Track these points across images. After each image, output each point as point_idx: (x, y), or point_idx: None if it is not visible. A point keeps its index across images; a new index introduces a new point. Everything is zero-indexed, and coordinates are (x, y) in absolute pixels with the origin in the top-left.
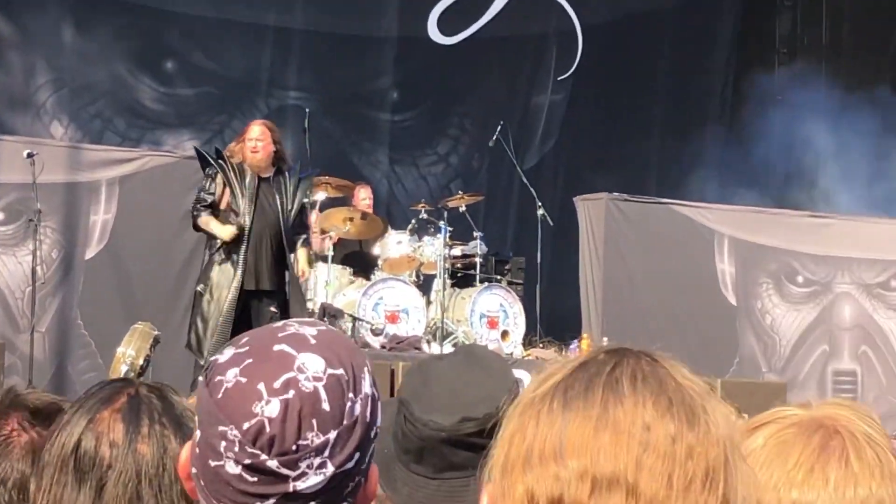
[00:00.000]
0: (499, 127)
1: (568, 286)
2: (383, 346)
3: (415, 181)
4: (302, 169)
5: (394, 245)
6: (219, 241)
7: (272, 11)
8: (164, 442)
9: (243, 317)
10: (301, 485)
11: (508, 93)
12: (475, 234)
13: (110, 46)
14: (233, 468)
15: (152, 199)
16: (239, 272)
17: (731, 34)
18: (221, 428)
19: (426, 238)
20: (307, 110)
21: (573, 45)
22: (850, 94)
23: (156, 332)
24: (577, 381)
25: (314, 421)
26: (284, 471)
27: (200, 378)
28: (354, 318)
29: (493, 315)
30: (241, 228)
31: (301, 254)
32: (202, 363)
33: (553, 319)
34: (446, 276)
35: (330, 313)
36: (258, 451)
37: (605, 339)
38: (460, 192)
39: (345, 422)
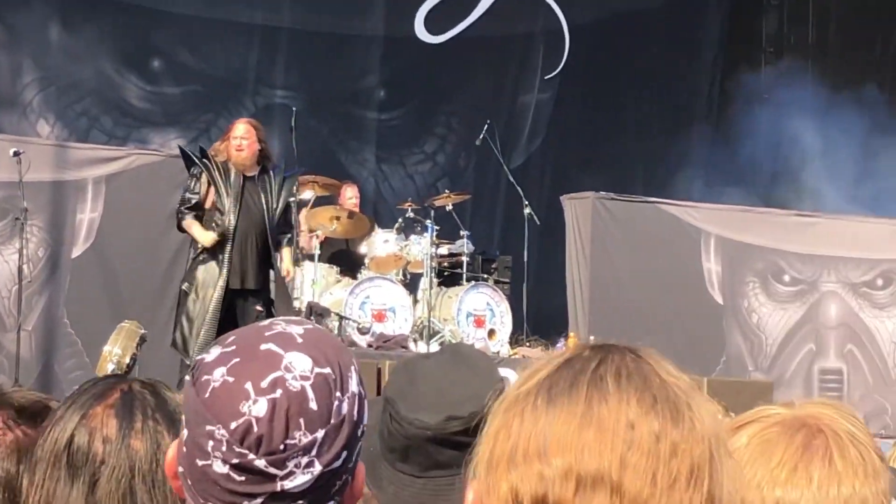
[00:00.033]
0: (485, 126)
1: (555, 285)
2: (370, 345)
3: (401, 180)
4: (287, 168)
5: (380, 244)
6: None
7: (259, 10)
8: (158, 438)
9: (229, 316)
10: (289, 484)
11: (495, 92)
12: (462, 232)
13: (97, 45)
14: (220, 467)
15: (139, 197)
16: (224, 271)
17: (717, 33)
18: (209, 427)
19: (413, 237)
20: (294, 109)
21: (560, 44)
22: (837, 93)
23: (142, 331)
24: (562, 379)
25: (302, 420)
26: (272, 470)
27: (187, 377)
28: (341, 317)
29: (480, 314)
30: (222, 234)
31: (286, 253)
32: (188, 362)
33: (540, 318)
34: (433, 274)
35: (317, 312)
36: (246, 451)
37: (592, 337)
38: (447, 190)
39: (332, 421)
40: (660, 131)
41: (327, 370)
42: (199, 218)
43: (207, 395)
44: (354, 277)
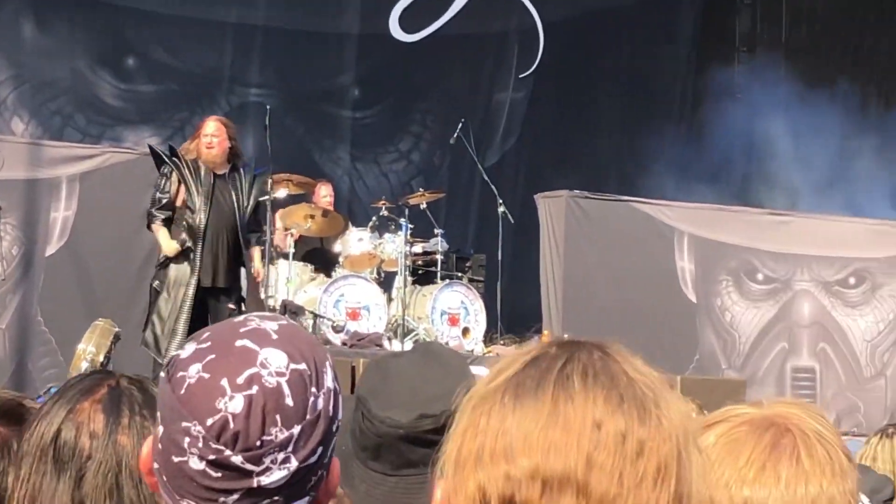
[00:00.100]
0: (460, 124)
1: (528, 283)
2: (344, 343)
3: (376, 178)
4: (257, 165)
5: (355, 242)
6: (175, 236)
7: (233, 8)
8: (145, 433)
9: (200, 314)
10: (265, 480)
11: (470, 90)
12: (436, 231)
13: (71, 42)
14: (196, 464)
15: (113, 195)
16: (196, 270)
17: (690, 31)
18: (185, 424)
19: (387, 235)
20: (268, 107)
21: (535, 42)
22: (810, 91)
23: (116, 329)
24: (529, 377)
25: (278, 416)
26: (249, 466)
27: (162, 374)
28: (315, 315)
29: (454, 312)
30: (184, 245)
31: (256, 253)
32: (159, 360)
33: (514, 316)
34: (407, 273)
35: (291, 310)
36: (222, 447)
37: (566, 336)
38: (421, 189)
39: (308, 416)
40: (633, 130)
41: (303, 366)
42: (169, 219)
43: (183, 391)
44: (329, 276)
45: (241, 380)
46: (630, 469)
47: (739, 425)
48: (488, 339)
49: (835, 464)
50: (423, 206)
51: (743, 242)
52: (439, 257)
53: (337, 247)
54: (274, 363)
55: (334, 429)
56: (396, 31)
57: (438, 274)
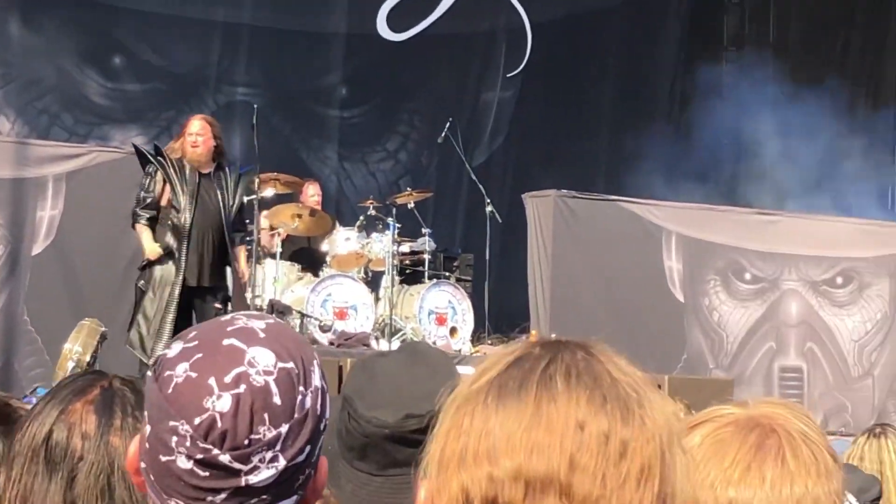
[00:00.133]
0: (447, 124)
1: (516, 283)
2: (331, 343)
3: (363, 178)
4: (242, 164)
5: (342, 241)
6: (160, 235)
7: (220, 7)
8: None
9: (186, 314)
10: (253, 479)
11: (458, 90)
12: (424, 230)
13: (57, 41)
14: (184, 463)
15: (99, 194)
16: (181, 269)
17: (678, 31)
18: (172, 423)
19: (374, 235)
20: (255, 106)
21: (522, 42)
22: (798, 90)
23: (103, 329)
24: (512, 378)
25: (266, 415)
26: (237, 465)
27: (149, 373)
28: (303, 315)
29: (442, 312)
30: (167, 249)
31: (241, 253)
32: (144, 360)
33: (501, 316)
34: (395, 272)
35: (278, 310)
36: (210, 446)
37: (553, 335)
38: (409, 188)
39: (296, 415)
40: (621, 129)
41: (290, 365)
42: (154, 218)
43: (170, 390)
44: (316, 275)
45: (228, 378)
46: (613, 470)
47: (725, 426)
48: (476, 338)
49: (820, 464)
50: (411, 205)
51: (731, 242)
52: (427, 257)
53: (324, 246)
54: (261, 362)
55: (322, 427)
56: (384, 30)
57: (426, 273)
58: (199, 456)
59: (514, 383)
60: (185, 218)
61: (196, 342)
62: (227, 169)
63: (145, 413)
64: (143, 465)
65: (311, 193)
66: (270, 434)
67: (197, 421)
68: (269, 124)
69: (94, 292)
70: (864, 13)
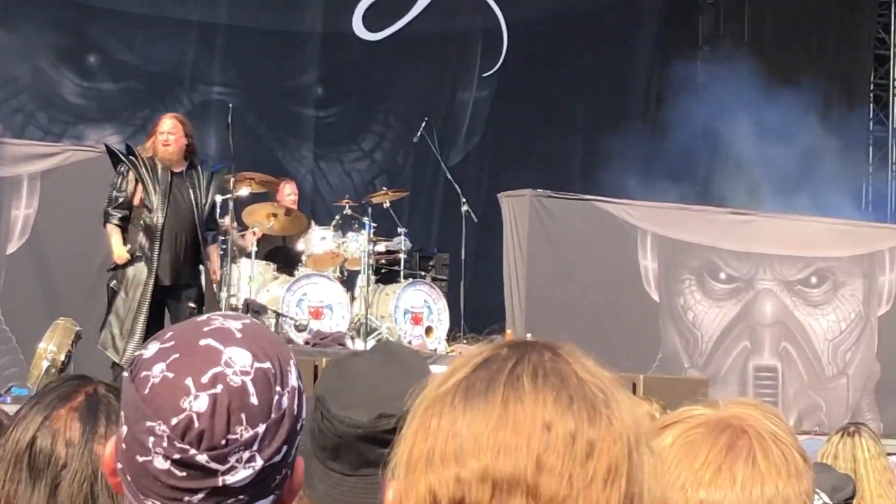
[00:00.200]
0: (423, 123)
1: (492, 282)
2: (307, 342)
3: (339, 177)
4: (215, 163)
5: (318, 241)
6: (132, 235)
7: (196, 6)
8: None
9: (159, 314)
10: (230, 479)
11: (433, 89)
12: (399, 230)
13: (32, 40)
14: (161, 463)
15: (74, 193)
16: (153, 269)
17: (654, 31)
18: (149, 423)
19: (350, 234)
20: (231, 105)
21: (498, 41)
22: (773, 90)
23: (77, 328)
24: (479, 379)
25: (243, 415)
26: (214, 465)
27: (125, 374)
28: (278, 314)
29: (418, 311)
30: (135, 252)
31: (213, 252)
32: (116, 360)
33: (477, 315)
34: (370, 272)
35: (253, 309)
36: (187, 446)
37: (529, 335)
38: (385, 188)
39: (273, 415)
40: (597, 129)
41: (267, 365)
42: (126, 218)
43: (147, 391)
44: (291, 274)
45: (205, 379)
46: (580, 470)
47: (696, 427)
48: (451, 337)
49: (790, 465)
50: (387, 204)
51: (706, 242)
52: (402, 256)
53: (300, 245)
54: (238, 362)
55: (299, 427)
56: (360, 29)
57: (401, 273)
58: (177, 456)
59: (482, 384)
60: (158, 217)
61: (172, 343)
62: (199, 167)
63: (122, 413)
64: (119, 465)
65: (288, 192)
66: (247, 434)
67: (174, 421)
68: (244, 123)
69: (68, 291)
70: (838, 13)
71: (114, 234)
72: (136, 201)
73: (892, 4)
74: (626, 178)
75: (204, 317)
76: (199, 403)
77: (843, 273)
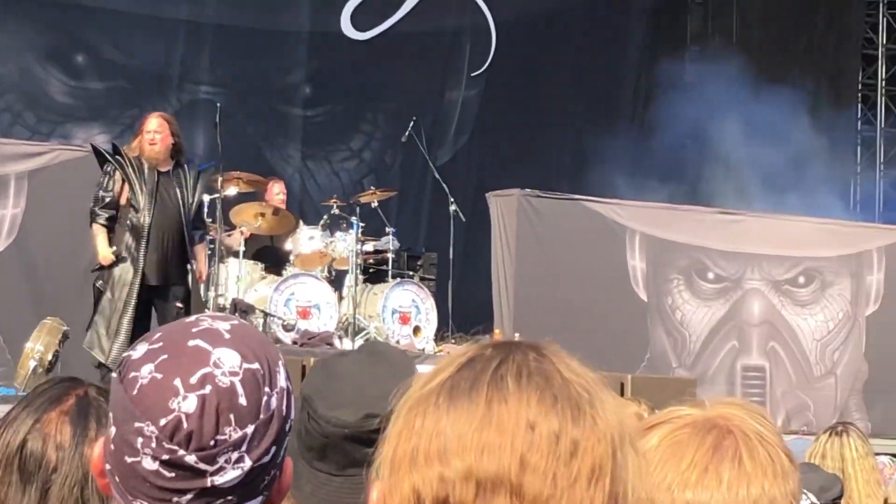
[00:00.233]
0: (411, 123)
1: (480, 282)
2: (295, 342)
3: (327, 176)
4: (202, 162)
5: (305, 240)
6: (119, 235)
7: (184, 5)
8: None
9: (145, 314)
10: (219, 479)
11: (422, 89)
12: (387, 229)
13: (20, 39)
14: (150, 464)
15: (62, 193)
16: (139, 269)
17: (642, 30)
18: (137, 424)
19: (338, 233)
20: (218, 105)
21: (487, 41)
22: (761, 90)
23: (65, 328)
24: (463, 379)
25: (232, 416)
26: (202, 466)
27: (114, 375)
28: (266, 314)
29: (406, 310)
30: (120, 253)
31: (200, 252)
32: (101, 360)
33: (465, 315)
34: (358, 271)
35: (241, 309)
36: (176, 447)
37: (517, 334)
38: (373, 187)
39: (262, 416)
40: (585, 128)
41: (256, 366)
42: (113, 217)
43: (136, 392)
44: (279, 274)
45: (194, 379)
46: (564, 469)
47: (682, 427)
48: (439, 337)
49: (776, 465)
50: (375, 204)
51: (694, 241)
52: (390, 256)
53: (288, 245)
54: (227, 363)
55: (287, 428)
56: (348, 28)
57: (389, 272)
58: (165, 457)
59: (466, 384)
60: (145, 217)
61: (161, 343)
62: (185, 166)
63: (110, 414)
64: (108, 466)
65: (277, 192)
66: (236, 435)
67: (162, 422)
68: (232, 123)
69: (56, 291)
70: (826, 12)
71: (99, 234)
72: (122, 201)
73: (880, 4)
74: (615, 177)
75: (192, 318)
76: (187, 404)
77: (831, 273)
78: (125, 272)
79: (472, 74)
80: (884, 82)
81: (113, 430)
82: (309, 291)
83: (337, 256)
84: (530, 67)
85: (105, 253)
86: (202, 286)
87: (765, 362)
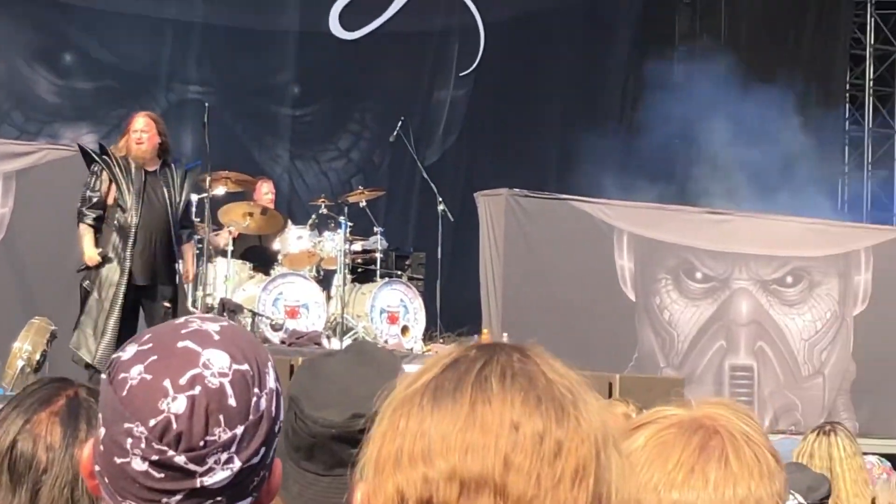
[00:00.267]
0: (399, 122)
1: (468, 281)
2: (283, 342)
3: (315, 176)
4: (188, 161)
5: (294, 240)
6: (106, 235)
7: (172, 5)
8: None
9: (133, 314)
10: (208, 480)
11: (410, 88)
12: (376, 229)
13: (8, 38)
14: (139, 465)
15: (50, 192)
16: (126, 269)
17: (630, 30)
18: (127, 425)
19: (326, 233)
20: (207, 105)
21: (475, 41)
22: (749, 90)
23: (53, 328)
24: (447, 380)
25: (221, 416)
26: (192, 466)
27: (103, 376)
28: (254, 314)
29: (394, 310)
30: (106, 254)
31: (188, 252)
32: (88, 361)
33: (453, 314)
34: (346, 271)
35: (229, 308)
36: (165, 448)
37: (505, 334)
38: (361, 187)
39: (251, 417)
40: (573, 128)
41: (245, 367)
42: (100, 217)
43: (125, 392)
44: (267, 274)
45: (183, 380)
46: (548, 470)
47: (668, 427)
48: (428, 337)
49: (762, 465)
50: (363, 204)
51: (682, 241)
52: (379, 255)
53: (276, 245)
54: (216, 364)
55: (277, 429)
56: (336, 28)
57: (378, 272)
58: (155, 457)
59: (450, 385)
60: (132, 217)
61: (150, 345)
62: (172, 166)
63: (99, 416)
64: (97, 468)
65: (265, 191)
66: (226, 436)
67: (152, 423)
68: (220, 123)
69: (44, 291)
70: (814, 13)
71: (86, 234)
72: (109, 201)
73: (868, 5)
74: (603, 177)
75: (182, 319)
76: (177, 405)
77: (818, 273)
78: (112, 272)
79: (461, 74)
80: (872, 82)
81: (102, 431)
82: (297, 291)
83: (325, 256)
84: (519, 67)
85: (91, 254)
86: (190, 286)
87: (753, 362)
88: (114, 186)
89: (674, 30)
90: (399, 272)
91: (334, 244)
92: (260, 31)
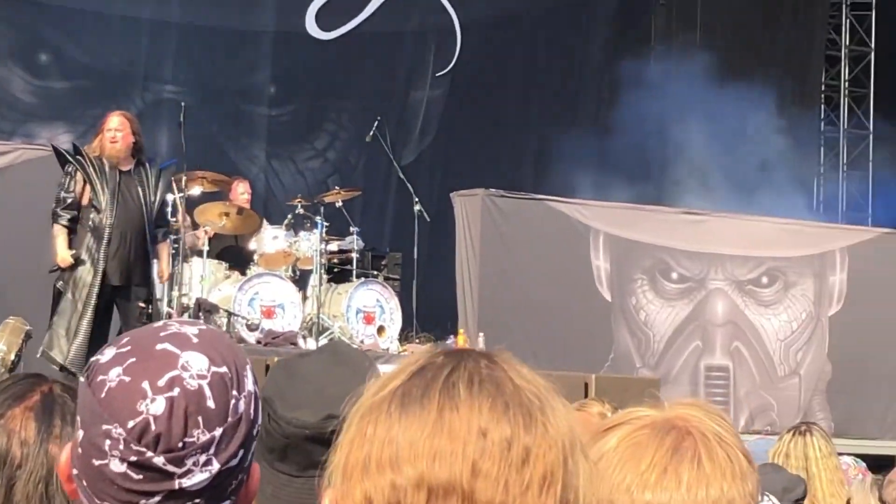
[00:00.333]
0: (376, 122)
1: (444, 281)
2: (259, 342)
3: (291, 176)
4: (162, 160)
5: (270, 240)
6: (80, 236)
7: (148, 4)
8: None
9: (107, 314)
10: (186, 482)
11: (387, 88)
12: (352, 229)
13: None
14: (118, 466)
15: (26, 192)
16: (100, 269)
17: (606, 30)
18: (105, 427)
19: (302, 233)
20: (183, 104)
21: (452, 41)
22: (724, 90)
23: (27, 328)
24: (415, 386)
25: (200, 418)
26: (170, 468)
27: (81, 378)
28: (230, 314)
29: (370, 310)
30: (79, 256)
31: (163, 251)
32: (59, 361)
33: (429, 315)
34: (322, 271)
35: (205, 308)
36: (144, 449)
37: (481, 334)
38: (337, 187)
39: (230, 419)
40: (549, 128)
41: (224, 369)
42: (75, 218)
43: (103, 394)
44: (243, 273)
45: (162, 382)
46: (515, 476)
47: (641, 428)
48: (404, 337)
49: (735, 466)
50: (339, 204)
51: (658, 241)
52: (355, 255)
53: (252, 244)
54: (195, 366)
55: (255, 432)
56: (313, 28)
57: (354, 272)
58: (133, 459)
59: (418, 391)
60: (106, 217)
61: (129, 347)
62: (146, 165)
63: (77, 418)
64: (75, 471)
65: (242, 191)
66: (204, 437)
67: (130, 424)
68: (196, 122)
69: (19, 290)
70: (790, 14)
71: (59, 235)
72: (84, 201)
73: (843, 6)
74: (579, 177)
75: (160, 322)
76: (155, 406)
77: (794, 273)
78: (85, 273)
79: (437, 74)
80: (847, 83)
81: (80, 433)
82: (273, 291)
83: (301, 256)
84: (495, 67)
85: (63, 255)
86: (166, 286)
87: (728, 362)
88: (88, 187)
89: (650, 29)
90: (375, 272)
91: (310, 244)
92: (236, 30)
